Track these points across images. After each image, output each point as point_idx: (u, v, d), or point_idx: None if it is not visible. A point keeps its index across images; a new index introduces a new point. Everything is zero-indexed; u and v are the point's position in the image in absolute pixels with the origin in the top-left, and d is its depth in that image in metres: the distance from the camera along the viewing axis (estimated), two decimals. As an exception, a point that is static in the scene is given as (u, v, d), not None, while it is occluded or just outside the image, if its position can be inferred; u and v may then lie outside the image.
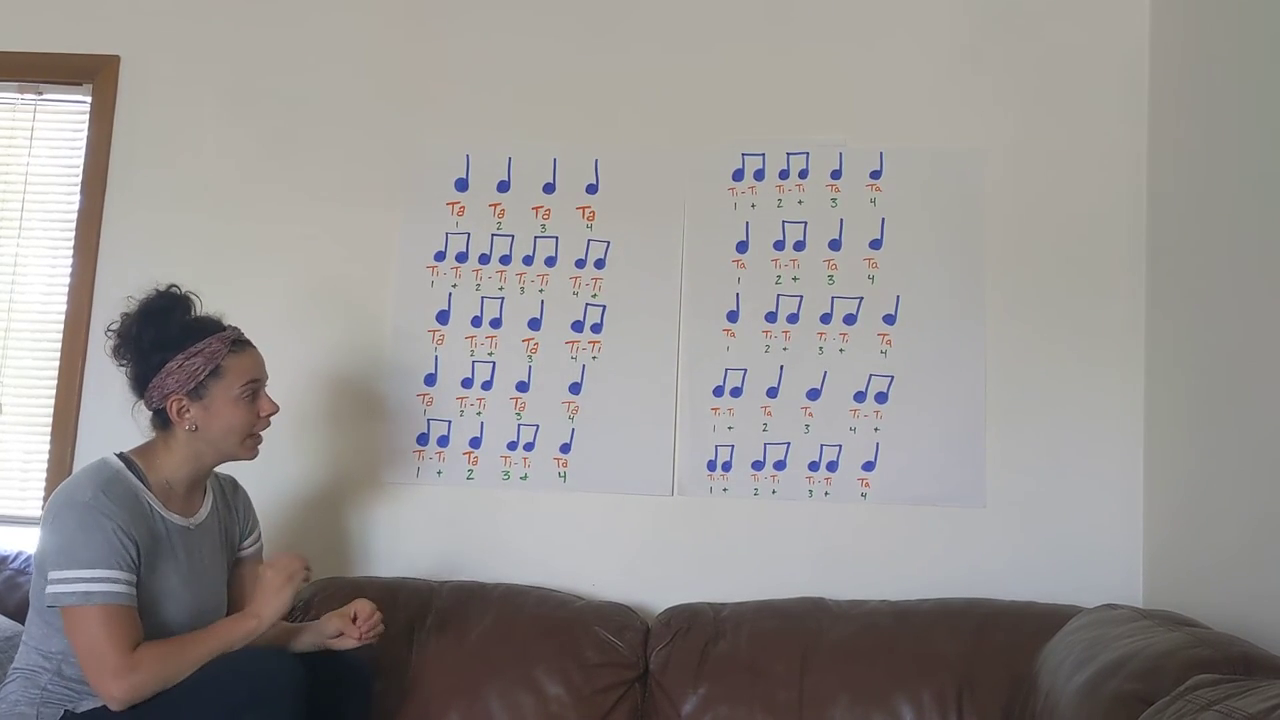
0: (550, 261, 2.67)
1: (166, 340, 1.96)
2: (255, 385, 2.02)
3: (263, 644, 1.92)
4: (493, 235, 2.69)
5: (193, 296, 2.04)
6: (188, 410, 1.96)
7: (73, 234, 2.76)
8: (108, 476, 1.90)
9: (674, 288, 2.64)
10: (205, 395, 1.96)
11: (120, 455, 1.97)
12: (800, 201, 2.64)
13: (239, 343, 2.02)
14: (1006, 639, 2.19)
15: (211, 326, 2.01)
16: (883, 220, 2.62)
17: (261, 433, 2.05)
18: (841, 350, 2.59)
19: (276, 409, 2.05)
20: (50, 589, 1.81)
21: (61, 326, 2.73)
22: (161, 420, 1.99)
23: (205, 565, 2.02)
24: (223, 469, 2.12)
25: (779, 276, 2.63)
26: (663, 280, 2.64)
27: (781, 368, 2.60)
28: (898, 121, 2.65)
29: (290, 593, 1.91)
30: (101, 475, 1.90)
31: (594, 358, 2.64)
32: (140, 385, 1.98)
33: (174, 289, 2.02)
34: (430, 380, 2.66)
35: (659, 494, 2.59)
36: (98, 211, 2.74)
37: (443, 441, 2.64)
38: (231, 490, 2.18)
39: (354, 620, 2.02)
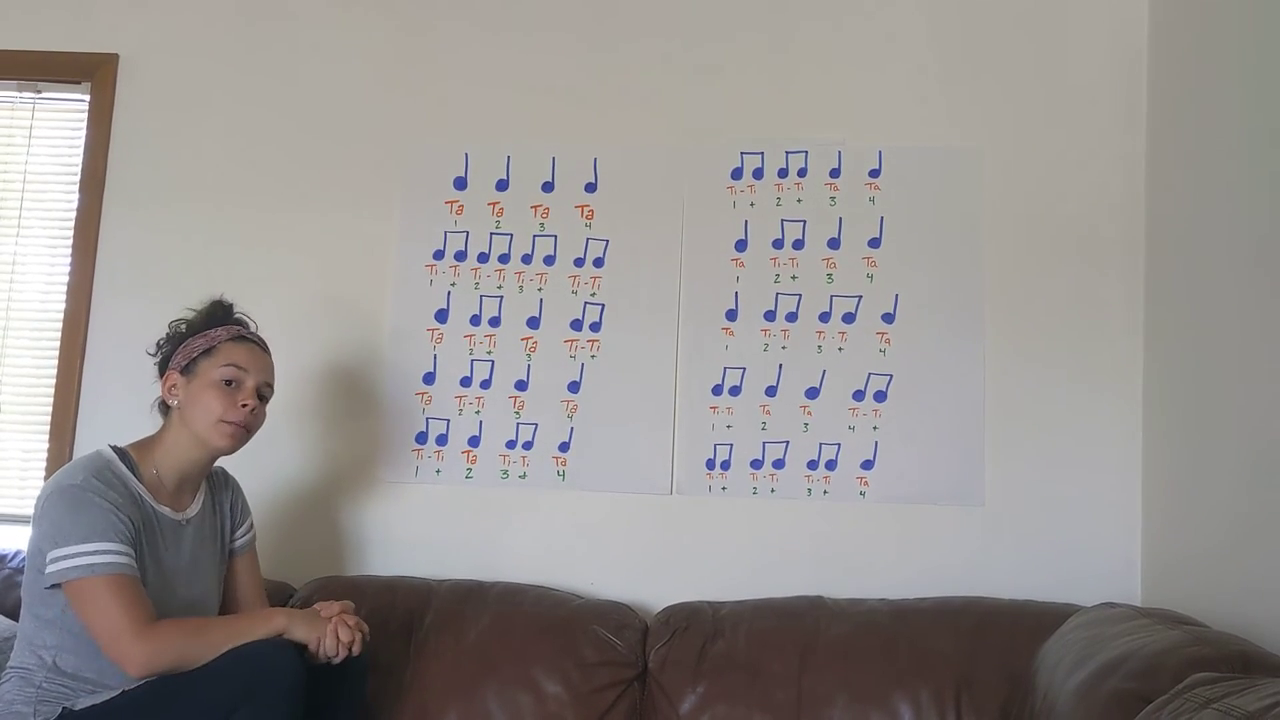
0: (549, 260, 2.67)
1: (193, 327, 2.06)
2: (238, 372, 2.01)
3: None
4: (491, 234, 2.69)
5: (239, 311, 2.12)
6: (176, 386, 2.02)
7: (71, 233, 2.76)
8: (99, 464, 1.93)
9: (673, 286, 2.64)
10: (193, 371, 2.01)
11: (114, 447, 1.99)
12: (799, 200, 2.64)
13: (244, 338, 2.07)
14: (1004, 638, 2.19)
15: (228, 323, 2.08)
16: (881, 219, 2.62)
17: (238, 423, 2.00)
18: (840, 349, 2.59)
19: (253, 405, 2.02)
20: (50, 568, 1.81)
21: (60, 325, 2.73)
22: (164, 405, 2.05)
23: (195, 559, 2.03)
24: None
25: (778, 275, 2.63)
26: (661, 279, 2.64)
27: (780, 366, 2.60)
28: (896, 120, 2.65)
29: (319, 634, 1.88)
30: (93, 463, 1.93)
31: (593, 356, 2.63)
32: (160, 371, 2.07)
33: (223, 299, 2.12)
34: (429, 379, 2.66)
35: (658, 493, 2.59)
36: (96, 210, 2.74)
37: (441, 440, 2.64)
38: (223, 483, 2.18)
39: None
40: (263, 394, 2.06)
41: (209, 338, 2.03)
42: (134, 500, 1.92)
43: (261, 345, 2.11)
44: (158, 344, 2.09)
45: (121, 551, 1.83)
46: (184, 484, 2.04)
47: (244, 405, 2.01)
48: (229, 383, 2.01)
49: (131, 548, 1.85)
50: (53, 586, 1.84)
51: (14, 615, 2.24)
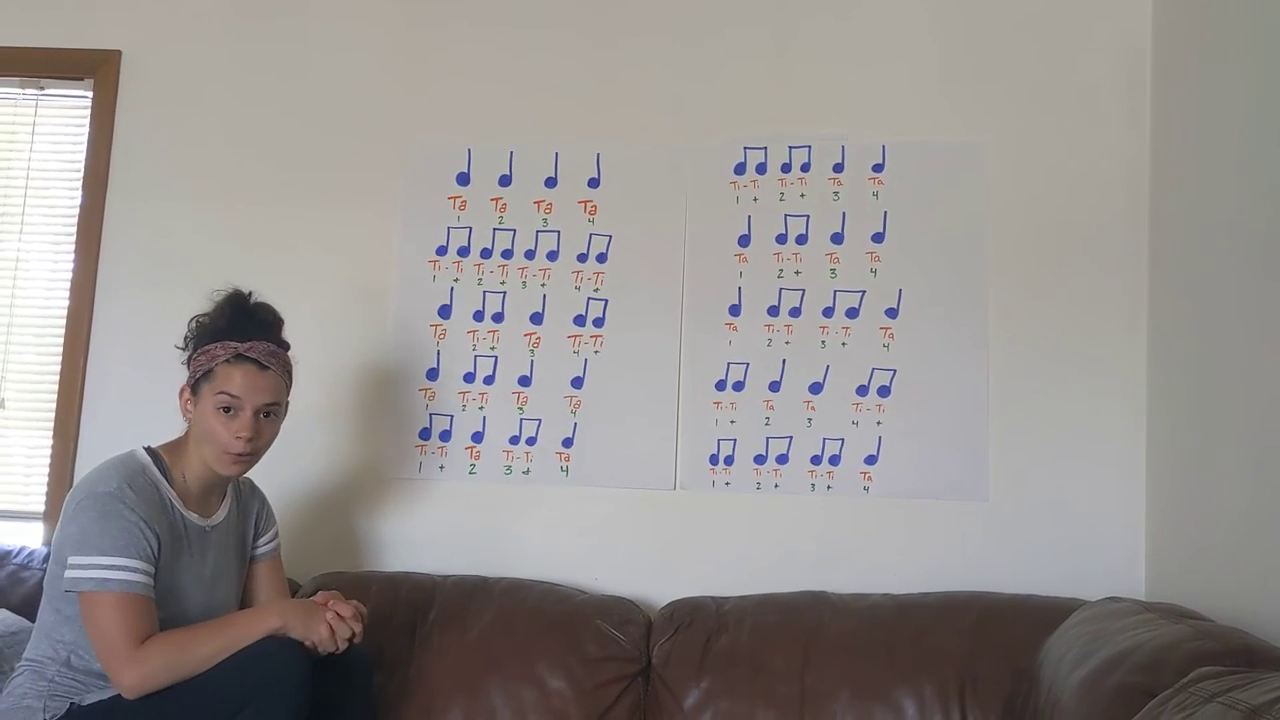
0: (552, 256, 2.67)
1: (202, 333, 2.01)
2: (232, 400, 1.94)
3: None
4: (494, 229, 2.69)
5: (258, 296, 2.05)
6: (189, 403, 2.00)
7: (74, 230, 2.76)
8: (134, 469, 1.92)
9: (676, 282, 2.63)
10: (198, 394, 1.98)
11: (148, 449, 1.99)
12: (802, 195, 2.64)
13: (242, 357, 1.96)
14: (1008, 632, 2.19)
15: (232, 333, 1.98)
16: (885, 214, 2.61)
17: (239, 453, 1.95)
18: (844, 344, 2.59)
19: (250, 435, 1.95)
20: (68, 573, 1.82)
21: (63, 322, 2.73)
22: None
23: (219, 567, 2.03)
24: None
25: (781, 270, 2.62)
26: (664, 274, 2.64)
27: (784, 361, 2.60)
28: (900, 115, 2.64)
29: (322, 624, 1.87)
30: (128, 467, 1.92)
31: (596, 352, 2.63)
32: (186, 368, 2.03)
33: (240, 290, 2.04)
34: (432, 374, 2.66)
35: (661, 488, 2.59)
36: (99, 207, 2.75)
37: (445, 436, 2.64)
38: (249, 492, 2.19)
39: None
40: (266, 413, 1.99)
41: (209, 356, 1.96)
42: (164, 508, 1.92)
43: (260, 363, 1.97)
44: (185, 338, 2.03)
45: (138, 569, 1.82)
46: (210, 491, 2.04)
47: (239, 436, 1.94)
48: (227, 409, 1.95)
49: (152, 565, 1.85)
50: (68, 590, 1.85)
51: (18, 611, 2.25)
